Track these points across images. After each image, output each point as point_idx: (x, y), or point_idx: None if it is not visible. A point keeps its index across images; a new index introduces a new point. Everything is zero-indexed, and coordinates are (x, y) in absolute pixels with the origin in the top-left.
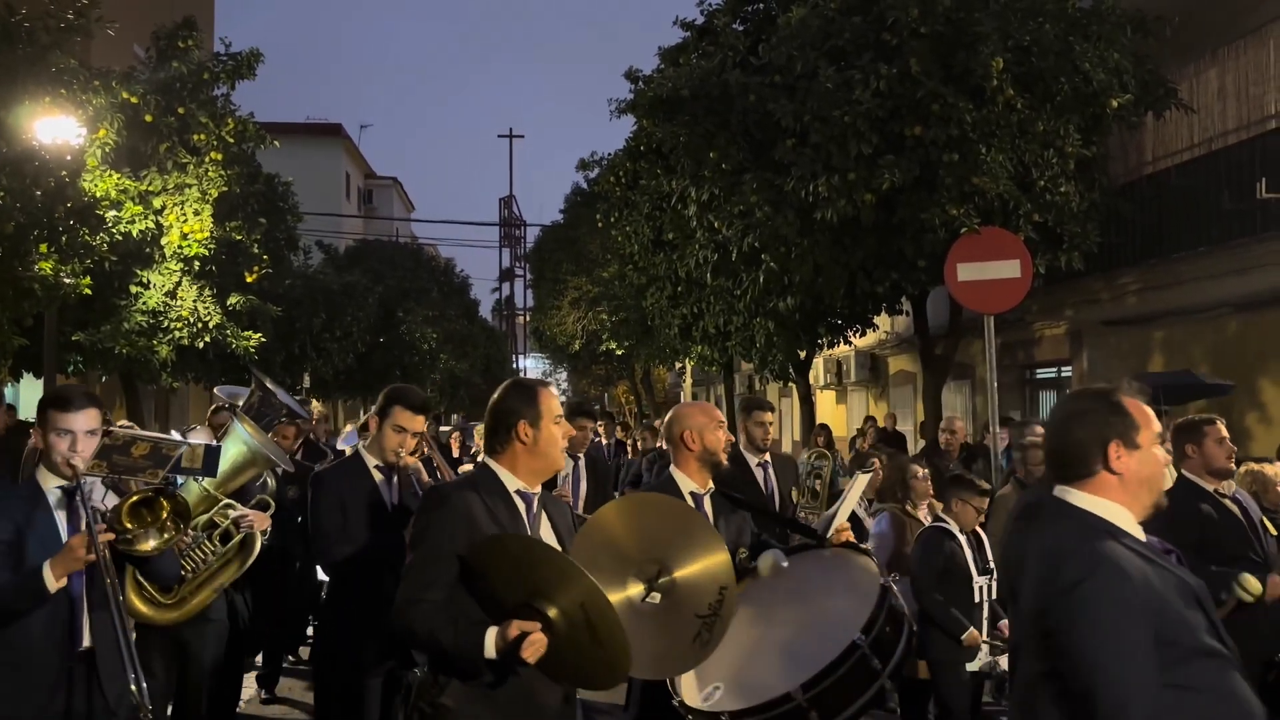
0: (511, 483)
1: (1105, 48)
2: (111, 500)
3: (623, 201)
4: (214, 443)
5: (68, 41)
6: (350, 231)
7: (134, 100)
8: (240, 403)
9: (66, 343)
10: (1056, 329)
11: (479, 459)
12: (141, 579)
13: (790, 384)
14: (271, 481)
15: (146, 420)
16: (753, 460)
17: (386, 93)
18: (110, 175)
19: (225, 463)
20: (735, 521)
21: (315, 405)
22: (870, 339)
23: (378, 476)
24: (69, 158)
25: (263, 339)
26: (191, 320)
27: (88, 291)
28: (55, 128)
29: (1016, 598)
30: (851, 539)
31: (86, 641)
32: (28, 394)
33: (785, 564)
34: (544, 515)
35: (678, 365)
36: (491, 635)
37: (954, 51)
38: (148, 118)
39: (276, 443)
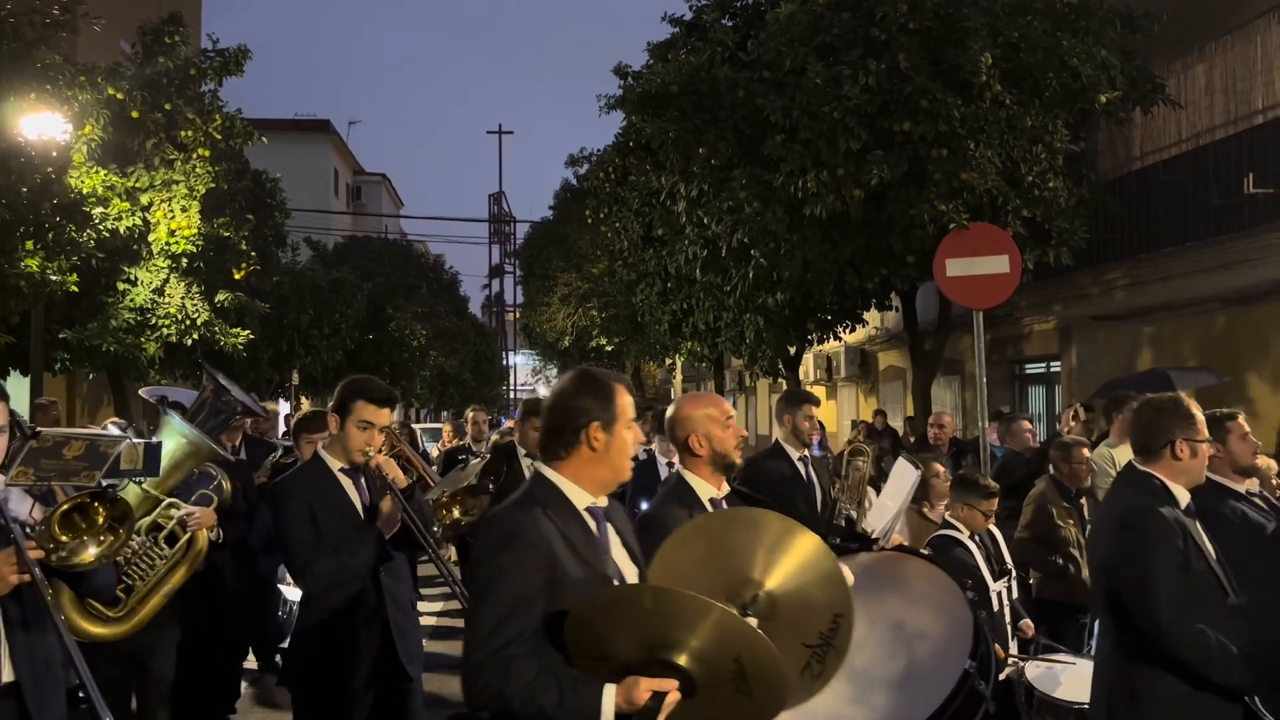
0: (580, 498)
1: (1093, 43)
2: (39, 511)
3: (612, 198)
4: (152, 439)
5: (53, 37)
6: (339, 228)
7: (120, 96)
8: (171, 401)
9: (53, 340)
10: (1045, 324)
11: (533, 467)
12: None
13: (780, 380)
14: (227, 484)
15: (134, 418)
16: (794, 454)
17: (375, 89)
18: (97, 172)
19: (164, 458)
20: None
21: (270, 405)
22: (860, 335)
23: (343, 480)
24: (55, 154)
25: (251, 336)
26: (179, 317)
27: (74, 288)
28: (41, 124)
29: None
30: (904, 541)
31: (7, 675)
32: (14, 392)
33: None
34: (611, 530)
35: (668, 361)
36: (611, 696)
37: (943, 47)
38: (134, 114)
39: (224, 439)
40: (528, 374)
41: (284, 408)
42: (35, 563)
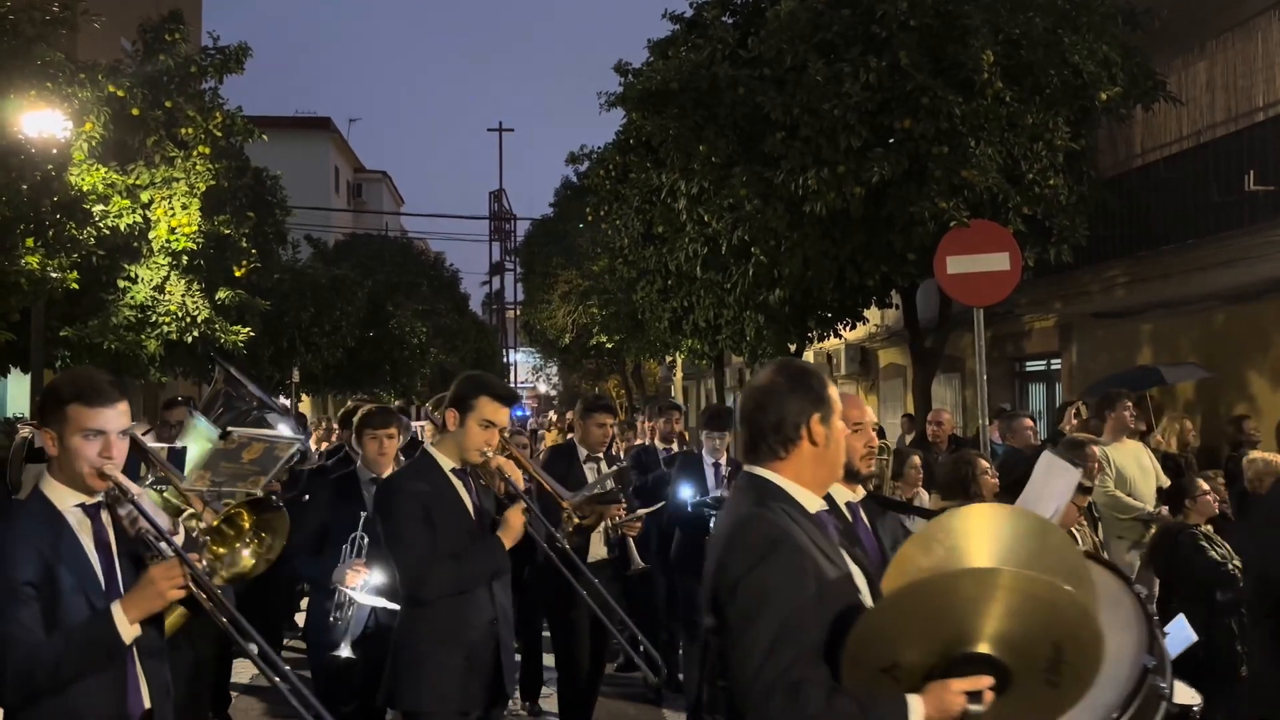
0: (810, 501)
1: (1094, 40)
2: (164, 521)
3: (612, 195)
4: (176, 444)
5: (53, 34)
6: (339, 225)
7: (121, 94)
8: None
9: (54, 337)
10: (1046, 322)
11: (742, 469)
12: None
13: None
14: None
15: (135, 416)
16: None
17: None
18: (97, 169)
19: (189, 464)
20: (889, 527)
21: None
22: (860, 332)
23: (455, 481)
24: (55, 151)
25: (251, 333)
26: (180, 315)
27: (75, 286)
28: (41, 121)
29: None
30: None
31: (146, 702)
32: (15, 389)
33: None
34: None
35: (668, 359)
36: (920, 708)
37: (943, 44)
38: (135, 111)
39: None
40: (528, 371)
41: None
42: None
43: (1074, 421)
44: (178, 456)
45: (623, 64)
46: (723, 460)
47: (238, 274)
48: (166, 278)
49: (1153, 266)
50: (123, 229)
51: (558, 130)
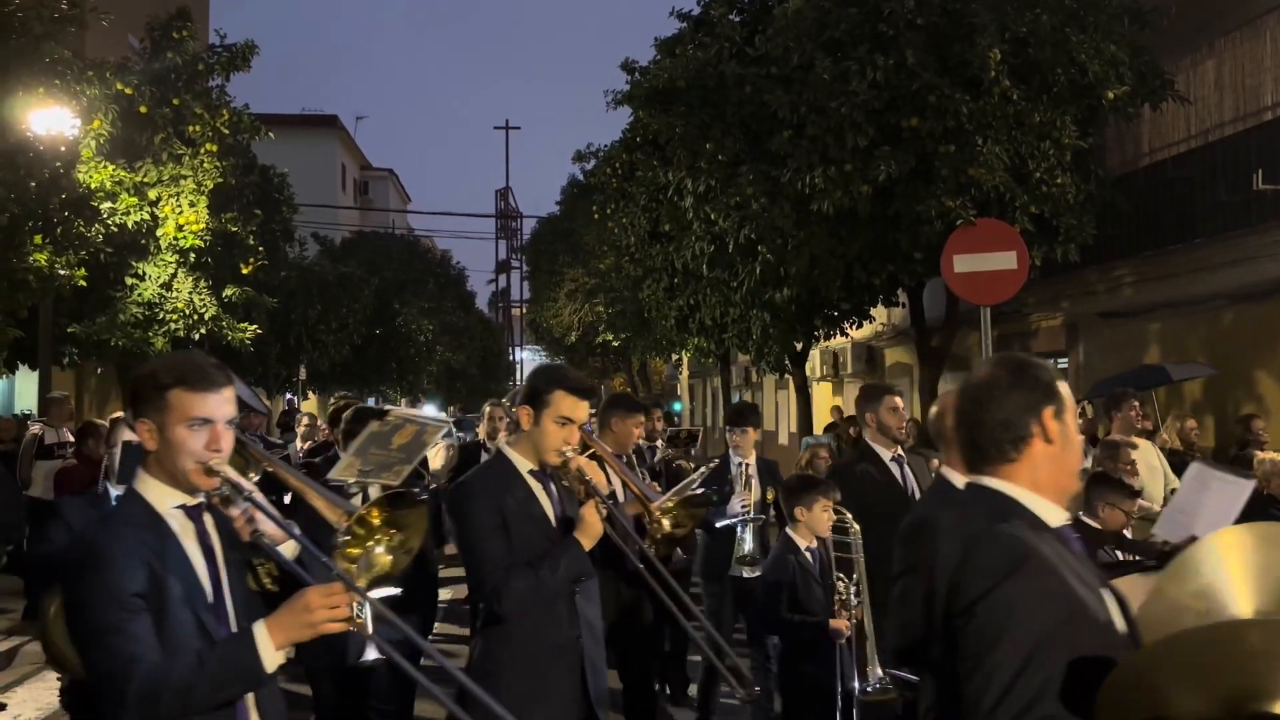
0: (1050, 513)
1: (1102, 39)
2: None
3: (619, 193)
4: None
5: (62, 32)
6: (346, 223)
7: (128, 91)
8: None
9: (62, 334)
10: (1053, 321)
11: (974, 479)
12: None
13: (786, 376)
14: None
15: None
16: (885, 454)
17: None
18: (105, 167)
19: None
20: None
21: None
22: (866, 331)
23: (533, 484)
24: (63, 149)
25: (258, 331)
26: (187, 312)
27: (83, 283)
28: (50, 119)
29: None
30: None
31: None
32: (23, 386)
33: None
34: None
35: (674, 357)
36: None
37: (950, 43)
38: (142, 109)
39: None
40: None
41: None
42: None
43: (1080, 421)
44: None
45: (630, 62)
46: (751, 460)
47: (245, 271)
48: (174, 275)
49: (1160, 266)
50: (130, 226)
51: (564, 128)
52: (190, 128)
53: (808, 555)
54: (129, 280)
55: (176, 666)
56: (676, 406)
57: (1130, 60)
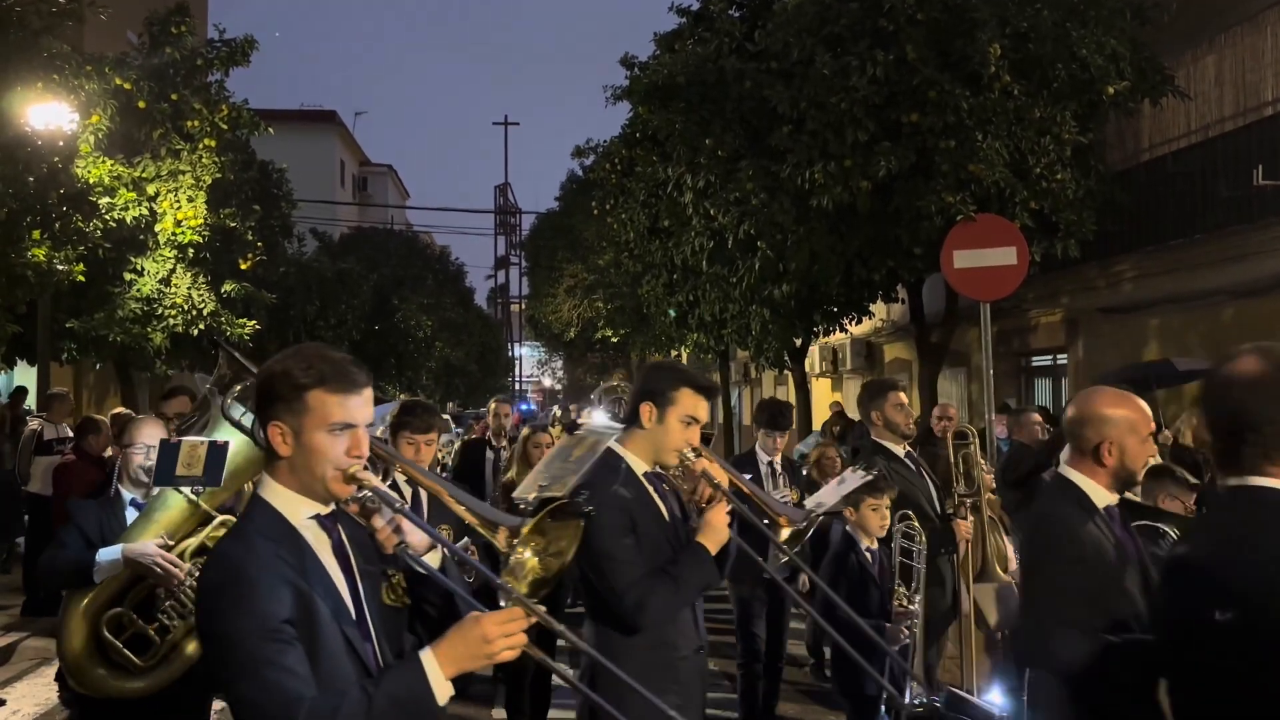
0: None
1: (1102, 34)
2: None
3: (618, 189)
4: (217, 439)
5: (60, 27)
6: (345, 219)
7: (127, 86)
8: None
9: (60, 330)
10: (1052, 316)
11: (1238, 483)
12: (109, 635)
13: (786, 372)
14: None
15: (140, 408)
16: (898, 450)
17: (381, 80)
18: (104, 161)
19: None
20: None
21: None
22: (866, 326)
23: (648, 486)
24: (62, 144)
25: (257, 326)
26: (186, 307)
27: (81, 278)
28: (48, 113)
29: None
30: None
31: None
32: (21, 381)
33: None
34: None
35: (673, 353)
36: None
37: (951, 38)
38: (141, 104)
39: None
40: (533, 365)
41: None
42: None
43: None
44: (218, 452)
45: (629, 57)
46: (777, 459)
47: (243, 267)
48: (172, 270)
49: (1160, 261)
50: (129, 222)
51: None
52: (189, 123)
53: (867, 555)
54: (127, 276)
55: (341, 704)
56: None
57: (1131, 56)
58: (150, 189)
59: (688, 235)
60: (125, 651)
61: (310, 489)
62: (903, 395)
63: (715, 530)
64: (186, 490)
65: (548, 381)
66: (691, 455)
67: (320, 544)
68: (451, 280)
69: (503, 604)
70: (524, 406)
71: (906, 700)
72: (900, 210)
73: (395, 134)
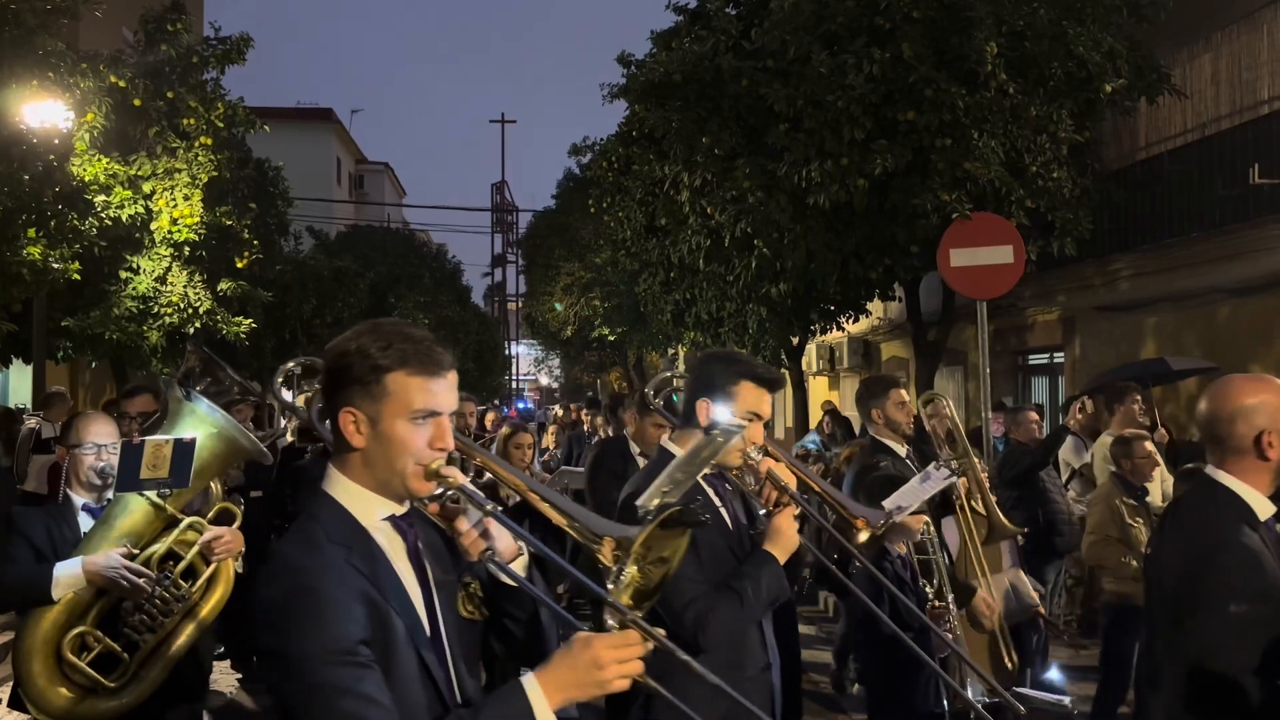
0: None
1: (1099, 32)
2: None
3: (615, 187)
4: (184, 436)
5: (55, 24)
6: (341, 217)
7: (122, 84)
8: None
9: (56, 328)
10: (1049, 315)
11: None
12: (72, 656)
13: (782, 370)
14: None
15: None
16: (900, 450)
17: (378, 77)
18: (99, 159)
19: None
20: None
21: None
22: (863, 325)
23: (708, 489)
24: (57, 142)
25: (253, 325)
26: (182, 306)
27: (77, 277)
28: (43, 111)
29: None
30: None
31: None
32: (17, 380)
33: None
34: None
35: (670, 351)
36: None
37: (947, 36)
38: (136, 102)
39: None
40: (530, 364)
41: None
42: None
43: (1079, 416)
44: (185, 451)
45: (626, 55)
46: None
47: (240, 265)
48: (168, 269)
49: (1157, 260)
50: (124, 220)
51: (560, 122)
52: (185, 121)
53: (899, 561)
54: (123, 274)
55: None
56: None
57: (1127, 54)
58: (146, 187)
59: (684, 233)
60: (91, 672)
61: (387, 485)
62: (904, 393)
63: (783, 536)
64: (151, 494)
65: (545, 380)
66: (756, 454)
67: (394, 548)
68: (448, 278)
69: (610, 622)
70: (521, 405)
71: (972, 697)
72: (897, 208)
73: (392, 132)
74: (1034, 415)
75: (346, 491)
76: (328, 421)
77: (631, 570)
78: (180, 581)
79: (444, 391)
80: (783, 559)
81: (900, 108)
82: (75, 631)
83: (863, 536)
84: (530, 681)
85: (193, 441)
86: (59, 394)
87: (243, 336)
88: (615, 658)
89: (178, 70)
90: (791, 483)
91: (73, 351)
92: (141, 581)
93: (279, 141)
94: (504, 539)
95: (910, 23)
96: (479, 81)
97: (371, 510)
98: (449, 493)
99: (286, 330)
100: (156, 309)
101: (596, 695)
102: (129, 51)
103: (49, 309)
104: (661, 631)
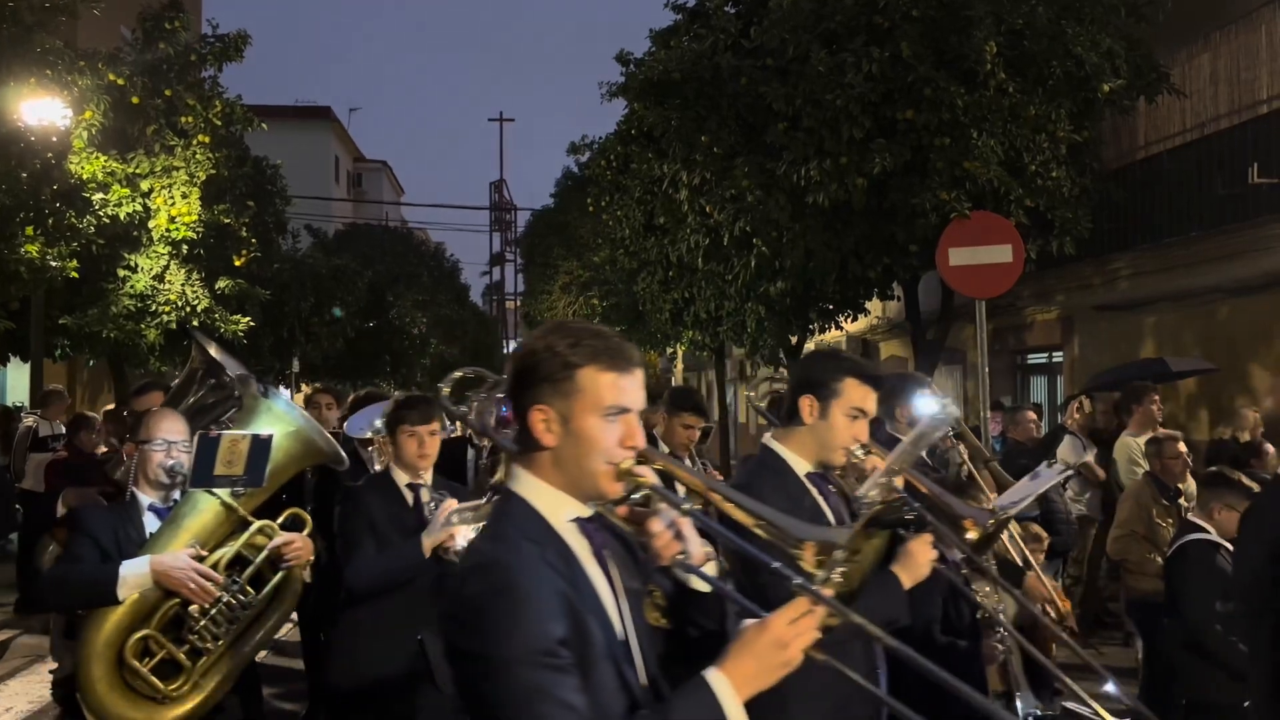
0: None
1: (1098, 32)
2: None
3: (614, 185)
4: (261, 433)
5: (53, 22)
6: (339, 215)
7: (120, 82)
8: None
9: (53, 326)
10: (1048, 314)
11: None
12: (135, 661)
13: (781, 370)
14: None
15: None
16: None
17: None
18: (97, 157)
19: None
20: None
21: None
22: (861, 324)
23: (812, 490)
24: (55, 139)
25: (251, 323)
26: (179, 304)
27: (75, 275)
28: (41, 109)
29: None
30: None
31: None
32: (14, 378)
33: None
34: None
35: (669, 350)
36: None
37: (946, 35)
38: (134, 100)
39: None
40: None
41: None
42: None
43: (1077, 415)
44: (262, 448)
45: (625, 54)
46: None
47: (237, 263)
48: (166, 267)
49: (1155, 259)
50: (122, 218)
51: (559, 120)
52: (183, 119)
53: (953, 566)
54: (121, 272)
55: None
56: None
57: (1126, 53)
58: (144, 185)
59: (683, 232)
60: (153, 679)
61: (577, 485)
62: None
63: (914, 562)
64: (223, 493)
65: None
66: (860, 453)
67: (583, 552)
68: (446, 277)
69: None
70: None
71: (1023, 709)
72: (896, 207)
73: (390, 130)
74: (1032, 415)
75: (535, 491)
76: (491, 423)
77: (836, 575)
78: (248, 588)
79: (634, 388)
80: (908, 584)
81: (899, 107)
82: (139, 635)
83: (971, 536)
84: (716, 677)
85: (269, 439)
86: (56, 392)
87: (240, 335)
88: (795, 632)
89: (176, 68)
90: (899, 483)
91: (70, 350)
92: (210, 585)
93: (277, 140)
94: (694, 542)
95: (909, 21)
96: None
97: (560, 510)
98: (641, 494)
99: (284, 329)
100: (154, 307)
101: (783, 675)
102: (127, 49)
103: (47, 307)
104: (829, 592)
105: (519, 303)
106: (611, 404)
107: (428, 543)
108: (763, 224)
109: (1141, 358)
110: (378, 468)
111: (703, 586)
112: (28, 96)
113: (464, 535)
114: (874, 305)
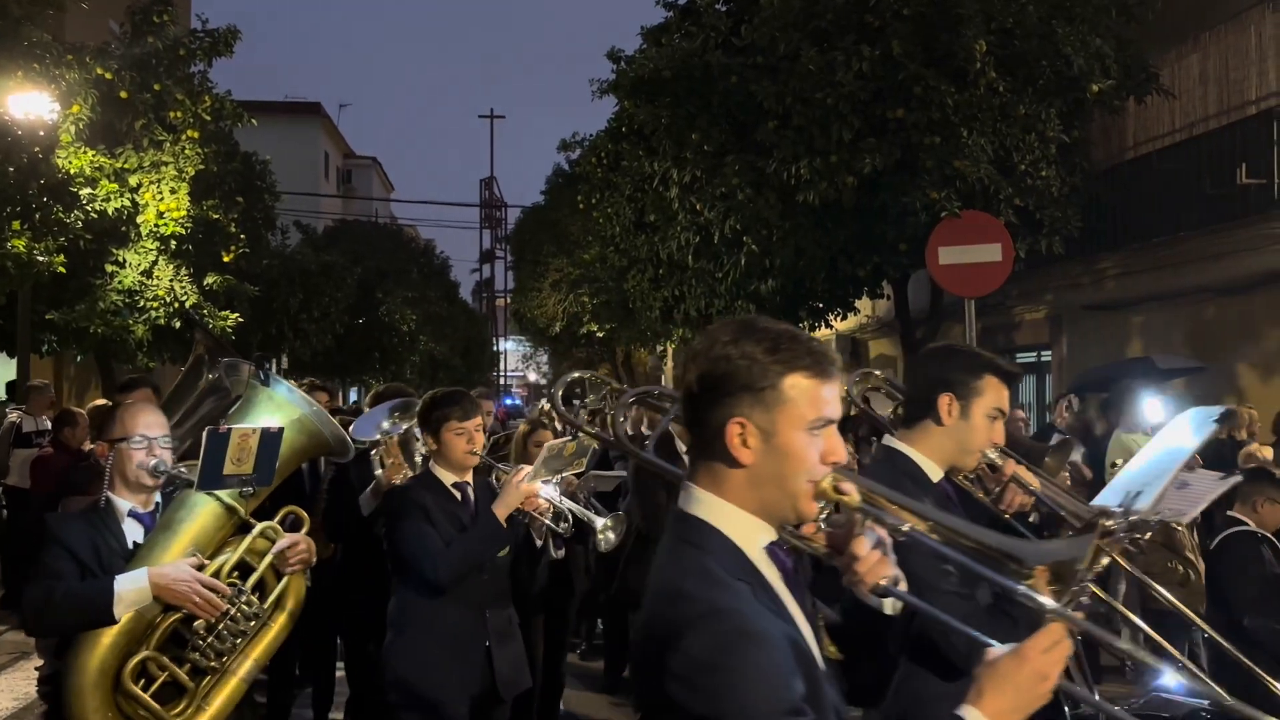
0: None
1: (1088, 32)
2: None
3: (604, 183)
4: (271, 425)
5: (40, 15)
6: (329, 211)
7: (109, 76)
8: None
9: (40, 322)
10: (1037, 313)
11: None
12: (135, 687)
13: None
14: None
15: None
16: None
17: (366, 71)
18: (85, 152)
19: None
20: None
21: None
22: (851, 322)
23: (954, 498)
24: (42, 134)
25: (240, 319)
26: (168, 300)
27: (62, 270)
28: (28, 103)
29: None
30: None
31: None
32: (1, 374)
33: None
34: None
35: (659, 348)
36: None
37: (936, 34)
38: (123, 94)
39: None
40: (518, 360)
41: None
42: None
43: (1065, 414)
44: (272, 442)
45: (616, 51)
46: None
47: (226, 259)
48: (154, 262)
49: (1144, 259)
50: (110, 213)
51: (549, 117)
52: (172, 114)
53: None
54: (109, 267)
55: None
56: None
57: (1116, 54)
58: (132, 180)
59: (673, 230)
60: (155, 705)
61: (774, 506)
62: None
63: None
64: (224, 493)
65: (533, 376)
66: (997, 456)
67: (777, 583)
68: (436, 274)
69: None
70: (508, 401)
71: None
72: (885, 206)
73: (380, 126)
74: (1021, 414)
75: (726, 517)
76: (627, 432)
77: (1085, 597)
78: (252, 598)
79: (836, 398)
80: None
81: (889, 105)
82: (138, 658)
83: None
84: (971, 713)
85: (280, 432)
86: (40, 386)
87: (229, 331)
88: (1052, 661)
89: (164, 63)
90: (1036, 485)
91: (57, 345)
92: (216, 598)
93: (266, 135)
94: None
95: (900, 20)
96: (468, 77)
97: (754, 538)
98: (842, 515)
99: (273, 325)
100: (142, 303)
101: (1034, 708)
102: (115, 43)
103: (34, 302)
104: (1080, 614)
105: (509, 300)
106: (817, 416)
107: (501, 511)
108: (753, 222)
109: (1130, 356)
110: (379, 472)
111: (893, 610)
112: (15, 90)
113: (548, 492)
114: (864, 304)
